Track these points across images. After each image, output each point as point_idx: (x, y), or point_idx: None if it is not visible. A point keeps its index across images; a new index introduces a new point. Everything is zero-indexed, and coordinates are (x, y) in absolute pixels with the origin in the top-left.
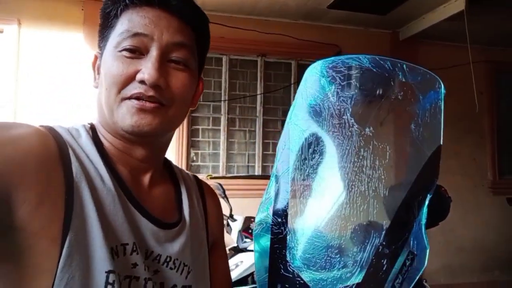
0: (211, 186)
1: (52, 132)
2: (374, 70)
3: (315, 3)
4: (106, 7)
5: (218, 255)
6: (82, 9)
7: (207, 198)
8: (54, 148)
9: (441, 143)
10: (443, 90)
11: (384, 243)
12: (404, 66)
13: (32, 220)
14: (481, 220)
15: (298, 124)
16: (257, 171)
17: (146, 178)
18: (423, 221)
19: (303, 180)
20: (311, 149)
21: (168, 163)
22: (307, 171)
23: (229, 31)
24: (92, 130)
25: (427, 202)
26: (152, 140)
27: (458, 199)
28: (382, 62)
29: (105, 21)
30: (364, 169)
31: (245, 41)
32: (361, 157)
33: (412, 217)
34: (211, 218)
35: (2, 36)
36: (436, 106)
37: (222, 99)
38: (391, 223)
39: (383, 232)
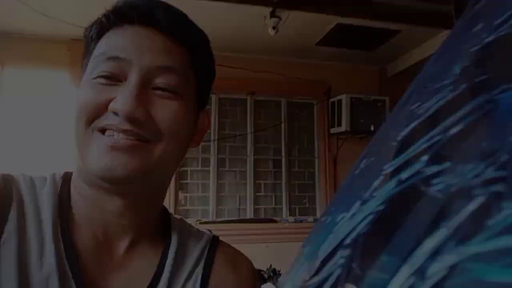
0: None
1: (3, 183)
2: None
3: (303, 40)
4: (86, 31)
5: None
6: (68, 50)
7: (215, 266)
8: None
9: None
10: None
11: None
12: None
13: None
14: None
15: None
16: (249, 214)
17: (123, 243)
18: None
19: None
20: None
21: (167, 216)
22: None
23: (217, 70)
24: (64, 180)
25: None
26: (132, 188)
27: None
28: None
29: (86, 48)
30: None
31: (233, 79)
32: None
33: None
34: None
35: None
36: None
37: (212, 138)
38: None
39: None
